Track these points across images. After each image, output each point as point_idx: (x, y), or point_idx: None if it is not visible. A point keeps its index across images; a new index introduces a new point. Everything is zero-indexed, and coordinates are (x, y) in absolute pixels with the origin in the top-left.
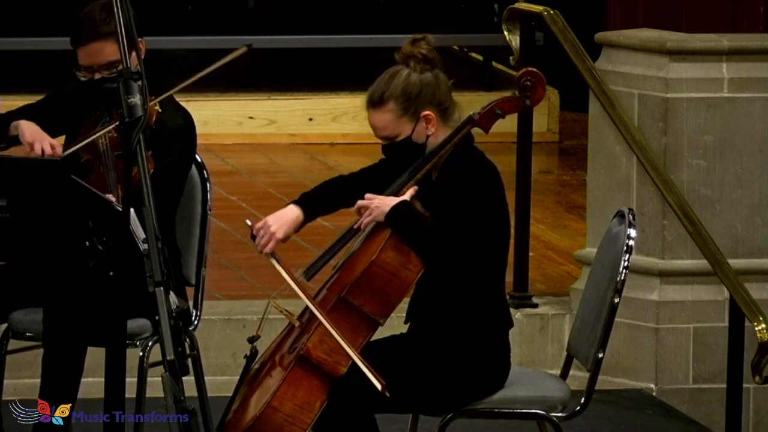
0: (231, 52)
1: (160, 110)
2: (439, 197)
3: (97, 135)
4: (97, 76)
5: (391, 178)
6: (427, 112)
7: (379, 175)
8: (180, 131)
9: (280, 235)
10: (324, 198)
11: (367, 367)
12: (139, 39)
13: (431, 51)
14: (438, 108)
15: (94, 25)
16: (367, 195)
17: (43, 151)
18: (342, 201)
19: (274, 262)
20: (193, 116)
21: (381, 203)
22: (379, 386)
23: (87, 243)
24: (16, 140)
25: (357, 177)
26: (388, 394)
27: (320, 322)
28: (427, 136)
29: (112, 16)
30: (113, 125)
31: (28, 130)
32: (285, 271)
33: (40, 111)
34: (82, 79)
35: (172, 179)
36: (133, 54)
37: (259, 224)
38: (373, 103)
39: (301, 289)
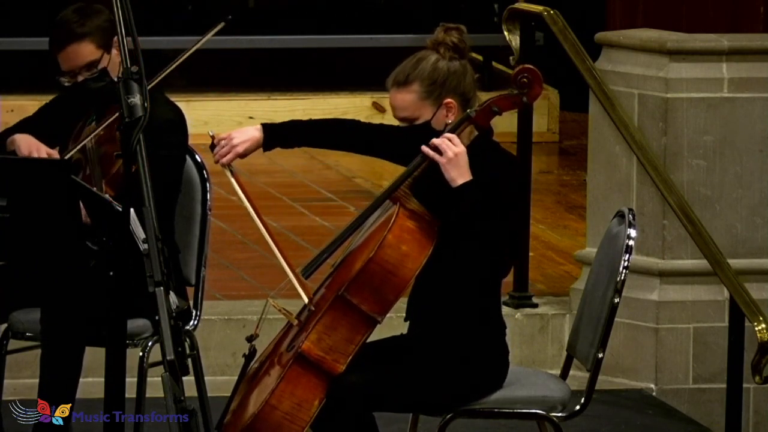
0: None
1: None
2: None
3: (91, 137)
4: (80, 78)
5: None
6: (449, 100)
7: (365, 139)
8: (171, 124)
9: (240, 149)
10: (290, 132)
11: (296, 276)
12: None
13: (462, 41)
14: (461, 98)
15: (69, 28)
16: (452, 137)
17: None
18: (303, 141)
19: (229, 174)
20: (184, 112)
21: (462, 162)
22: (305, 298)
23: (87, 243)
24: (13, 156)
25: (336, 125)
26: (312, 307)
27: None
28: (446, 125)
29: (86, 18)
30: (103, 126)
31: (24, 142)
32: (239, 184)
33: (35, 123)
34: (66, 84)
35: (167, 174)
36: (113, 53)
37: (222, 135)
38: (398, 83)
39: (261, 220)
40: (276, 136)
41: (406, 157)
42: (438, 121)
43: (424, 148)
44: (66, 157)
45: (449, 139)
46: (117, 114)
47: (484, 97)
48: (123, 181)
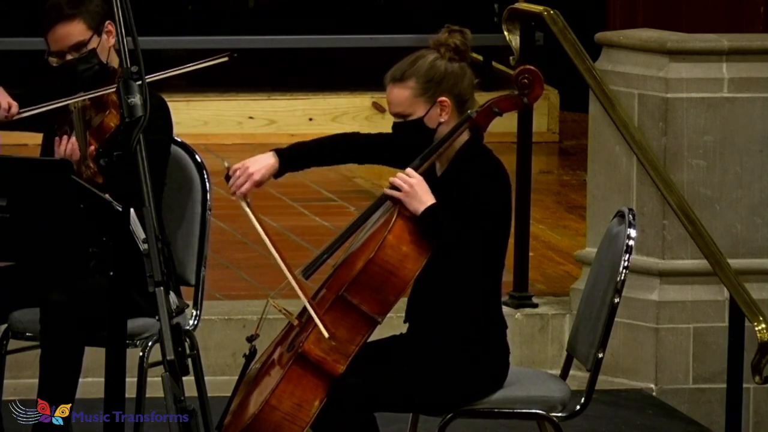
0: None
1: None
2: (444, 192)
3: (78, 99)
4: (68, 57)
5: (375, 156)
6: (443, 99)
7: (365, 150)
8: (155, 109)
9: (257, 176)
10: (300, 156)
11: (318, 316)
12: (108, 22)
13: (464, 44)
14: (456, 99)
15: (59, 7)
16: (409, 171)
17: None
18: (312, 162)
19: (244, 205)
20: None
21: (420, 191)
22: (326, 334)
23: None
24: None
25: (337, 142)
26: (333, 343)
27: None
28: (439, 123)
29: (79, 2)
30: (96, 92)
31: None
32: (254, 216)
33: (23, 95)
34: (54, 64)
35: (157, 159)
36: (104, 37)
37: (237, 165)
38: (395, 79)
39: (276, 250)
40: (289, 160)
41: (404, 161)
42: (431, 119)
43: (386, 190)
44: (24, 116)
45: (407, 174)
46: (113, 86)
47: (484, 97)
48: (107, 136)
